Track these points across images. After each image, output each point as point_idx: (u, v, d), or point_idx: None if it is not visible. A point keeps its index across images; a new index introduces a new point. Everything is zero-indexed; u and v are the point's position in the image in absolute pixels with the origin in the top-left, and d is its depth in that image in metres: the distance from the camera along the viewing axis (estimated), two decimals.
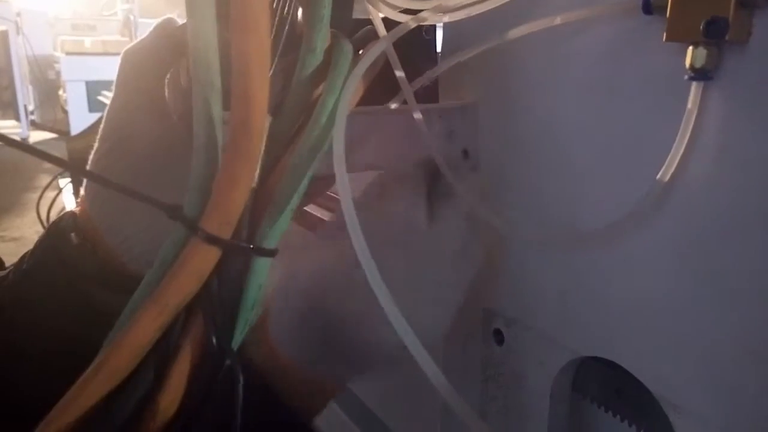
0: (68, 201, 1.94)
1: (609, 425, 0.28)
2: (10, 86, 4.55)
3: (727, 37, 0.20)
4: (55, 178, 2.06)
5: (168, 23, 0.32)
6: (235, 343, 0.20)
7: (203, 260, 0.19)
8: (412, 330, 0.21)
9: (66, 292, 0.31)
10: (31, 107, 4.90)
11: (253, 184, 0.20)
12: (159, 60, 0.31)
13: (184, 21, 0.22)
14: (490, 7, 0.26)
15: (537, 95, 0.28)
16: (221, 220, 0.19)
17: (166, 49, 0.31)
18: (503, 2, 0.25)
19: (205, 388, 0.19)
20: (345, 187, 0.22)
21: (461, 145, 0.31)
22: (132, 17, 3.94)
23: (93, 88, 3.61)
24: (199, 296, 0.19)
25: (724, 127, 0.21)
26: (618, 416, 0.28)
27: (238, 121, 0.19)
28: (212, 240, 0.18)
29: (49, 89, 4.56)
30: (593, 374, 0.29)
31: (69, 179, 1.97)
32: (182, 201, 0.20)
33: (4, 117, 4.96)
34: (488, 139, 0.31)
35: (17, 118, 4.69)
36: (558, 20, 0.24)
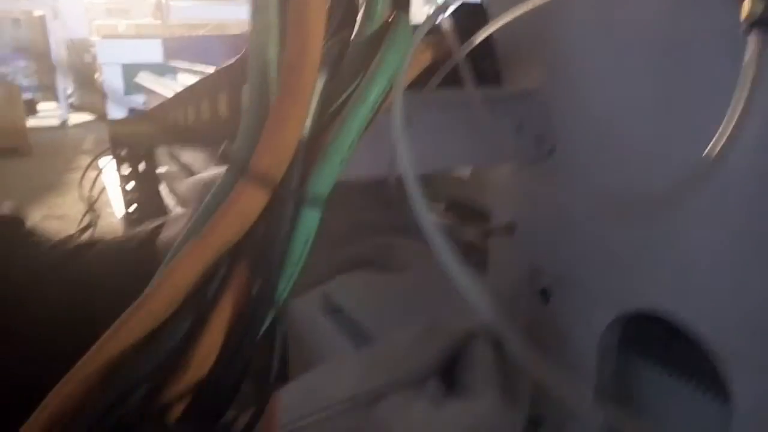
0: (108, 180, 1.99)
1: (658, 381, 0.29)
2: (50, 70, 4.66)
3: None
4: (95, 158, 2.11)
5: None
6: (279, 297, 0.19)
7: (250, 202, 0.18)
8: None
9: None
10: (69, 90, 5.00)
11: (304, 137, 0.20)
12: None
13: None
14: None
15: (598, 60, 0.28)
16: (271, 161, 0.18)
17: None
18: None
19: (245, 342, 0.19)
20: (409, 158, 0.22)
21: (533, 132, 0.31)
22: (164, 0, 3.98)
23: (129, 71, 3.67)
24: (244, 244, 0.19)
25: None
26: (667, 371, 0.28)
27: (291, 61, 0.19)
28: (261, 181, 0.18)
29: (86, 72, 4.65)
30: (640, 331, 0.29)
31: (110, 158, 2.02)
32: None
33: (45, 99, 5.09)
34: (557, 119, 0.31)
35: (57, 100, 4.80)
36: None
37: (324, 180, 0.19)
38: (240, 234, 0.19)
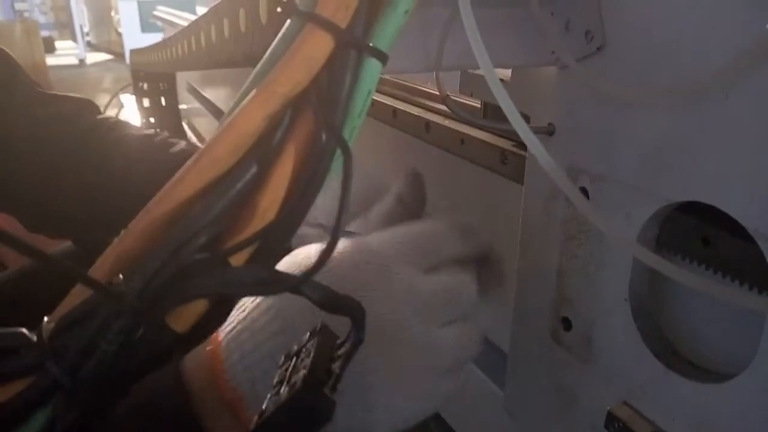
0: (129, 117, 2.00)
1: (696, 276, 0.29)
2: (66, 6, 4.61)
3: None
4: (115, 94, 2.11)
5: None
6: (343, 146, 0.19)
7: (316, 47, 0.18)
8: None
9: None
10: (86, 28, 4.96)
11: None
12: None
13: None
14: None
15: None
16: (337, 5, 0.18)
17: None
18: None
19: (309, 190, 0.19)
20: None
21: (582, 29, 0.30)
22: None
23: (145, 8, 3.61)
24: (309, 92, 0.19)
25: None
26: (704, 265, 0.28)
27: None
28: (327, 26, 0.18)
29: (103, 10, 4.60)
30: (677, 227, 0.29)
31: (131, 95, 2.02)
32: None
33: (62, 38, 5.05)
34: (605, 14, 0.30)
35: (74, 39, 4.77)
36: None
37: (388, 30, 0.19)
38: (306, 80, 0.19)
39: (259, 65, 0.20)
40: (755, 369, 0.25)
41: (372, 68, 0.19)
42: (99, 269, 0.18)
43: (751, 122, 0.24)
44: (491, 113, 0.43)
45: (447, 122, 0.47)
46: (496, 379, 0.47)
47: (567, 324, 0.35)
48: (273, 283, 0.19)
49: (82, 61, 4.52)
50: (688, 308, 0.30)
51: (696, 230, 0.28)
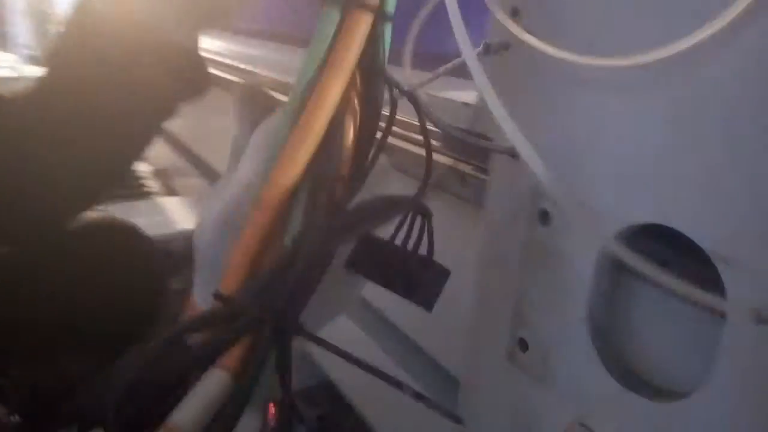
0: None
1: (653, 297, 0.30)
2: (4, 19, 4.43)
3: None
4: None
5: None
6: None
7: (364, 26, 0.24)
8: None
9: (112, 69, 0.35)
10: (25, 40, 4.77)
11: None
12: None
13: None
14: None
15: None
16: None
17: None
18: None
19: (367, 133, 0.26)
20: None
21: None
22: None
23: None
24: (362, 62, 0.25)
25: None
26: (662, 288, 0.29)
27: None
28: (368, 7, 0.24)
29: (44, 21, 4.45)
30: (637, 248, 0.30)
31: None
32: None
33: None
34: None
35: (12, 51, 4.58)
36: None
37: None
38: (358, 55, 0.25)
39: (313, 53, 0.25)
40: (711, 385, 0.26)
41: (388, 30, 0.26)
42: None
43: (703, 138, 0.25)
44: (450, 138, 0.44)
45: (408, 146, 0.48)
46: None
47: (524, 345, 0.35)
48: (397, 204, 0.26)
49: (21, 74, 4.34)
50: (644, 328, 0.31)
51: (655, 253, 0.29)
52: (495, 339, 0.37)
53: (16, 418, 0.33)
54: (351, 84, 0.25)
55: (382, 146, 0.26)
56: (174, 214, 0.90)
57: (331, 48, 0.24)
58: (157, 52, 0.34)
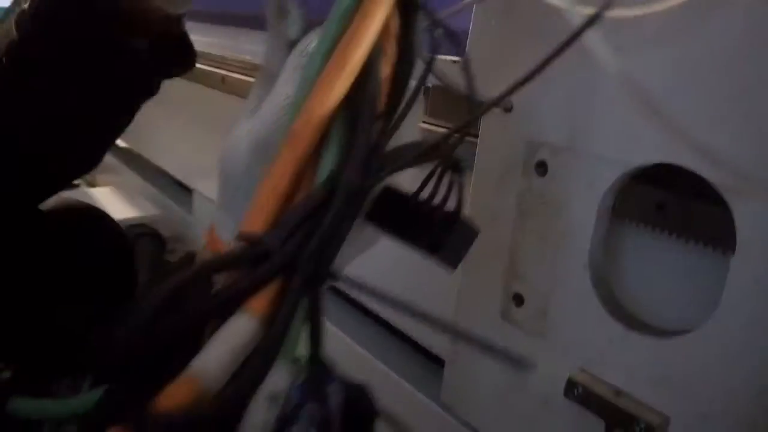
0: None
1: (649, 240, 0.31)
2: None
3: None
4: None
5: None
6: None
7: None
8: None
9: (90, 39, 0.30)
10: None
11: None
12: None
13: None
14: None
15: None
16: None
17: None
18: None
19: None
20: None
21: None
22: None
23: None
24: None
25: None
26: (658, 229, 0.30)
27: None
28: None
29: None
30: (631, 195, 0.31)
31: None
32: None
33: None
34: None
35: None
36: None
37: None
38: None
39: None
40: (719, 316, 0.27)
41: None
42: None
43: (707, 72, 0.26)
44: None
45: None
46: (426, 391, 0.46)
47: (519, 300, 0.35)
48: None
49: None
50: (644, 270, 0.32)
51: (649, 196, 0.30)
52: (487, 298, 0.36)
53: (6, 374, 0.29)
54: (390, 14, 0.23)
55: (419, 89, 0.25)
56: (108, 205, 0.84)
57: None
58: (139, 20, 0.31)
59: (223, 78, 0.70)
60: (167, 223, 0.84)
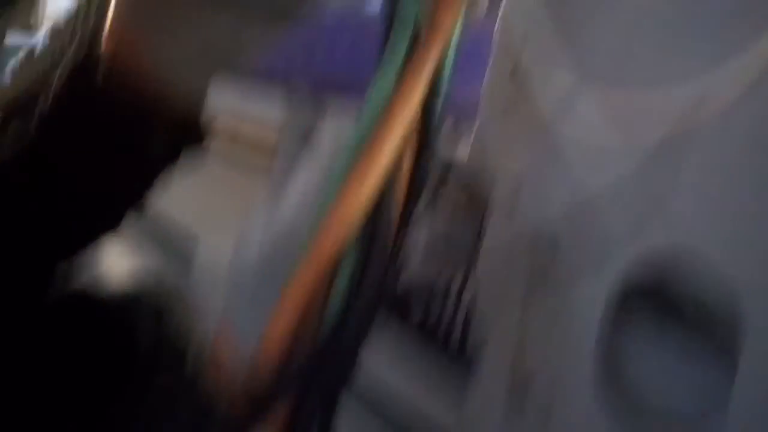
0: None
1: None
2: None
3: None
4: None
5: None
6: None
7: (435, 53, 0.24)
8: None
9: (104, 136, 0.31)
10: None
11: None
12: None
13: None
14: None
15: None
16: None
17: None
18: None
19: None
20: None
21: None
22: None
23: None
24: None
25: None
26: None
27: None
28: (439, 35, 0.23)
29: None
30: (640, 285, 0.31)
31: None
32: None
33: None
34: None
35: None
36: None
37: None
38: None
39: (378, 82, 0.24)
40: (730, 415, 0.26)
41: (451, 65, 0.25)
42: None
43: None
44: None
45: None
46: None
47: (523, 391, 0.34)
48: None
49: None
50: (652, 363, 0.31)
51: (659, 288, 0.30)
52: (494, 387, 0.35)
53: None
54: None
55: (436, 196, 0.25)
56: (106, 256, 0.83)
57: (400, 77, 0.23)
58: (160, 110, 0.32)
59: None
60: (169, 276, 0.83)
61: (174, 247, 0.89)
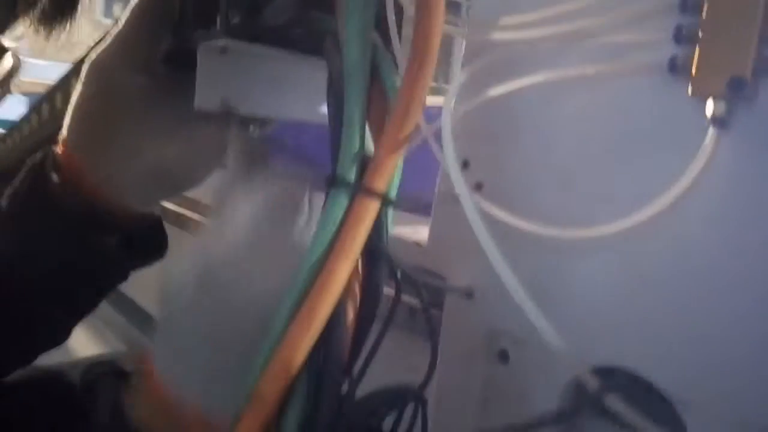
0: None
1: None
2: None
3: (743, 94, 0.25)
4: None
5: None
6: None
7: (372, 212, 0.24)
8: None
9: (59, 236, 0.32)
10: None
11: None
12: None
13: None
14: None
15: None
16: (385, 178, 0.24)
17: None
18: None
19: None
20: None
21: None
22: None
23: None
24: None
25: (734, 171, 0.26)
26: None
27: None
28: (376, 196, 0.24)
29: None
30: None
31: None
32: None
33: None
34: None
35: None
36: (592, 71, 0.29)
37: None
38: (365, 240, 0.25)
39: (317, 238, 0.24)
40: None
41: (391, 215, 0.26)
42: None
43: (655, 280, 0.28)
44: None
45: None
46: None
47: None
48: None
49: None
50: None
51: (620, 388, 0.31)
52: None
53: None
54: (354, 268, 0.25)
55: (384, 332, 0.25)
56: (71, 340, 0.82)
57: (338, 233, 0.24)
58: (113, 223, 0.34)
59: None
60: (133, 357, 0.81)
61: (137, 330, 0.88)
